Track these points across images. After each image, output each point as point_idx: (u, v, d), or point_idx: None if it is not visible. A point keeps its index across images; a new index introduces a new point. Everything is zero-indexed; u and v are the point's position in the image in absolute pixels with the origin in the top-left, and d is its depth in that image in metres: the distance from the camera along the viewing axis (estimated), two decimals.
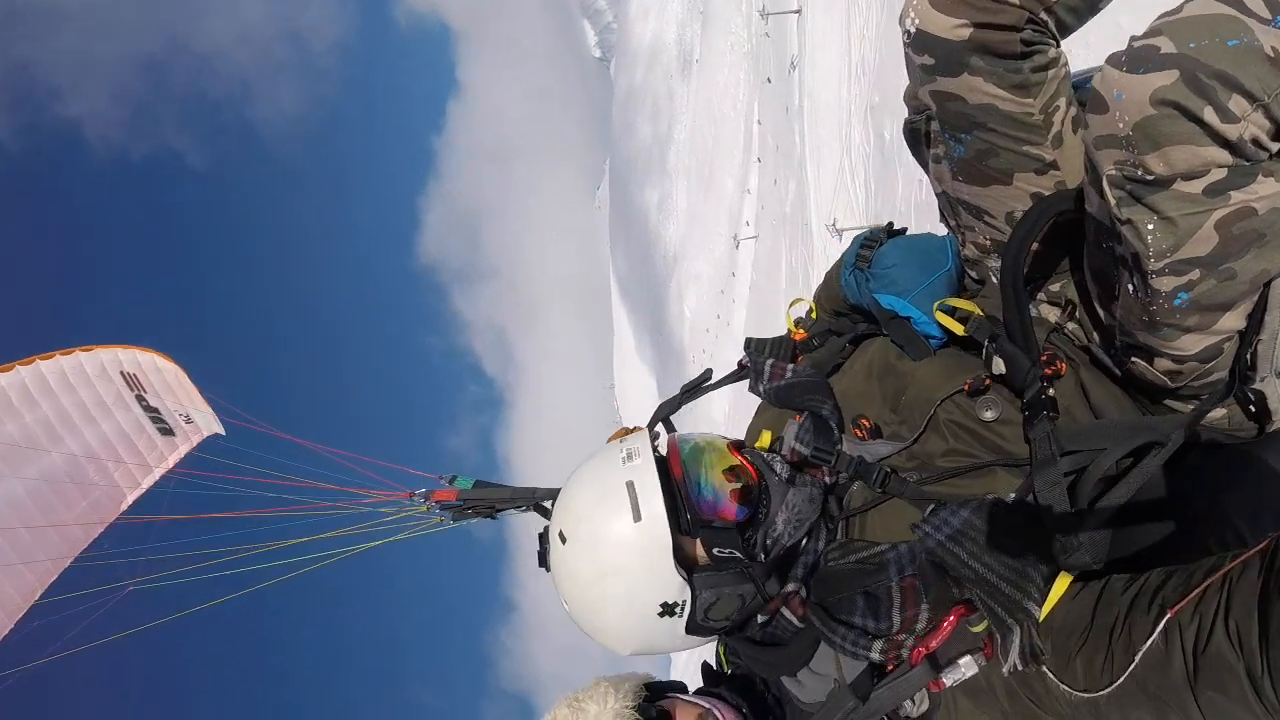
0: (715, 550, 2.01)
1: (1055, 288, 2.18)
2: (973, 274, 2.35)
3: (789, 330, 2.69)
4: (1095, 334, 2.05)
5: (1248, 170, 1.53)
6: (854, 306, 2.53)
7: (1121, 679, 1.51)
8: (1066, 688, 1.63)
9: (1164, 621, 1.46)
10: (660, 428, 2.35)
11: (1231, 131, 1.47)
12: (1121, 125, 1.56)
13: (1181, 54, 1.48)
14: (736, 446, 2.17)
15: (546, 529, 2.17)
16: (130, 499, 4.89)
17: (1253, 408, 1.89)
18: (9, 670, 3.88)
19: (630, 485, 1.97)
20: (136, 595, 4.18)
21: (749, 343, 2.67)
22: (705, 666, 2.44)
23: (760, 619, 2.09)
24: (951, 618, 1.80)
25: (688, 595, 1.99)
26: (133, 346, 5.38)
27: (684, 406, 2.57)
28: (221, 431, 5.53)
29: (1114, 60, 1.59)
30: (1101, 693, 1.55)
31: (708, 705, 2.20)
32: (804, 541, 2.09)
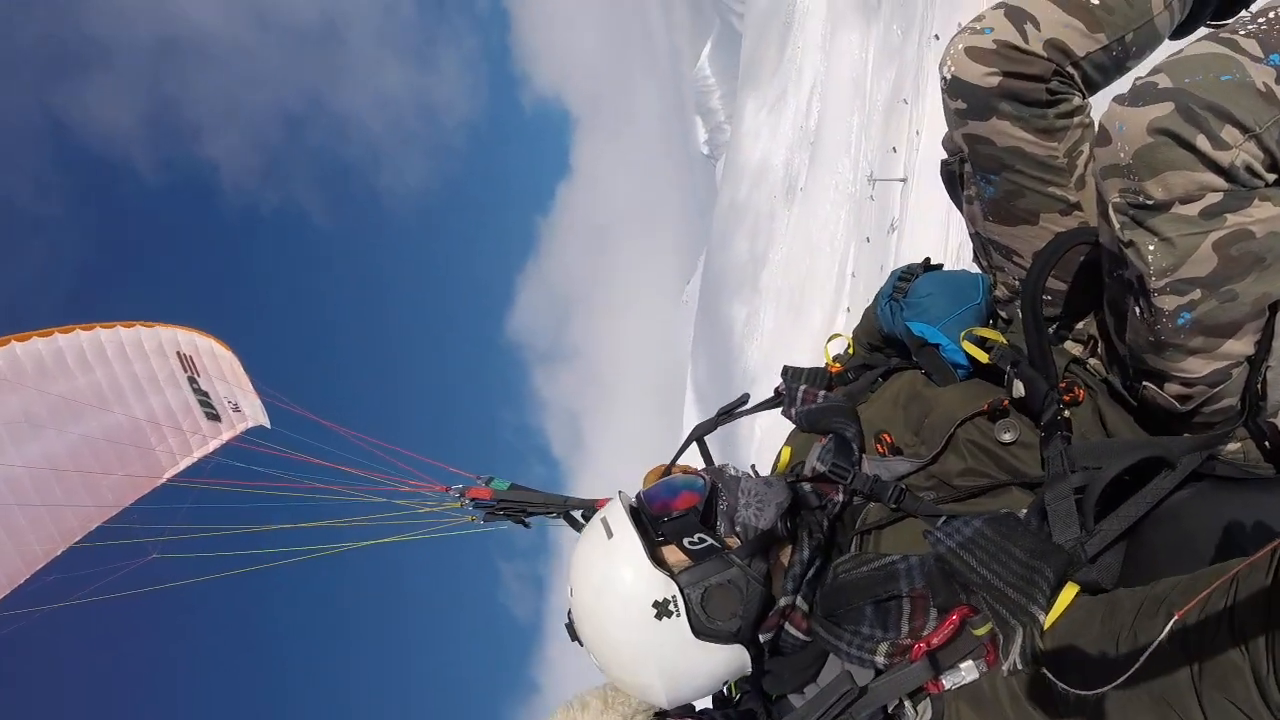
0: (686, 542, 2.13)
1: (1079, 325, 2.27)
2: (1003, 314, 2.46)
3: (826, 364, 2.79)
4: (1114, 366, 2.12)
5: (1243, 195, 1.63)
6: (888, 339, 2.64)
7: (1123, 678, 1.48)
8: (1067, 688, 1.60)
9: (1170, 623, 1.43)
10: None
11: (1224, 158, 1.58)
12: (1123, 155, 1.67)
13: (1177, 88, 1.60)
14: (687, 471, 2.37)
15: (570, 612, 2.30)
16: (166, 475, 4.85)
17: (1268, 444, 1.93)
18: (21, 610, 3.82)
19: (603, 520, 2.20)
20: (159, 564, 4.12)
21: (786, 370, 2.75)
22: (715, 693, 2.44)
23: (763, 636, 2.15)
24: (954, 617, 1.81)
25: (675, 590, 2.09)
26: (193, 329, 5.40)
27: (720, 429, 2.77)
28: (267, 424, 5.50)
29: (1118, 98, 1.71)
30: (1103, 689, 1.52)
31: None
32: (782, 526, 2.16)
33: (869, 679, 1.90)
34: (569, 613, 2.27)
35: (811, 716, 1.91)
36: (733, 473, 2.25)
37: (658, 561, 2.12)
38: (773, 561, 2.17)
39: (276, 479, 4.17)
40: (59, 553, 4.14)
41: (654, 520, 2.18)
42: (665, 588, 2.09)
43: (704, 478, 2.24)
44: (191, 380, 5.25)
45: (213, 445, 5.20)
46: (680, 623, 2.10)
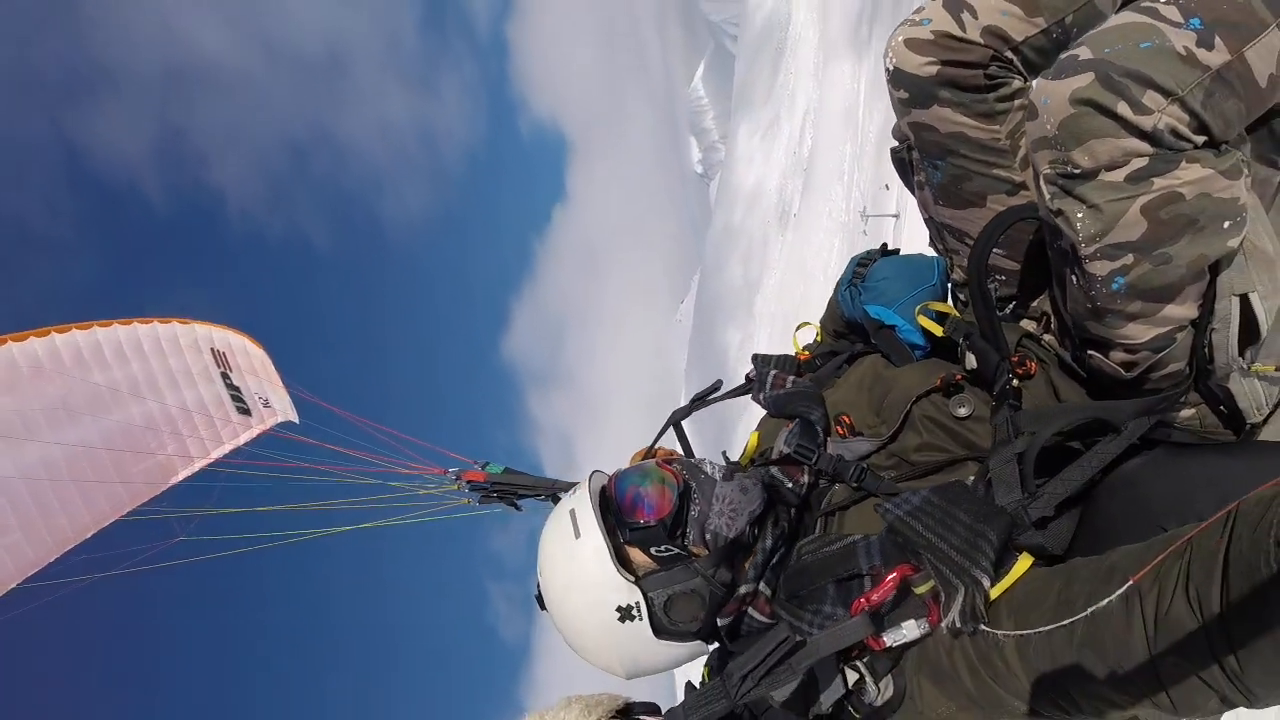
0: (653, 550, 2.15)
1: (1034, 304, 2.30)
2: (961, 296, 2.48)
3: (796, 352, 2.85)
4: (1065, 339, 2.13)
5: (1169, 158, 1.64)
6: (850, 325, 2.70)
7: (1069, 620, 1.52)
8: (1006, 633, 1.65)
9: (1124, 588, 1.46)
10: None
11: (1146, 122, 1.60)
12: (1049, 127, 1.70)
13: (1097, 59, 1.63)
14: (666, 461, 2.31)
15: None
16: (198, 465, 5.05)
17: (1224, 409, 1.92)
18: (53, 580, 4.03)
19: (571, 512, 2.20)
20: (183, 545, 4.32)
21: (756, 357, 2.80)
22: (689, 686, 2.52)
23: (722, 621, 2.20)
24: (895, 574, 1.81)
25: (639, 597, 2.13)
26: (227, 327, 5.63)
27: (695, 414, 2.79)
28: (295, 420, 5.71)
29: (1043, 73, 1.75)
30: (1046, 628, 1.56)
31: None
32: (750, 532, 2.17)
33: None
34: (538, 585, 2.33)
35: (750, 664, 1.92)
36: (708, 471, 2.24)
37: (623, 562, 2.16)
38: (738, 566, 2.19)
39: (289, 463, 4.35)
40: (89, 535, 4.35)
41: (621, 520, 2.19)
42: (629, 594, 2.13)
43: (679, 479, 2.22)
44: (225, 375, 5.46)
45: (243, 438, 5.41)
46: (642, 625, 2.15)
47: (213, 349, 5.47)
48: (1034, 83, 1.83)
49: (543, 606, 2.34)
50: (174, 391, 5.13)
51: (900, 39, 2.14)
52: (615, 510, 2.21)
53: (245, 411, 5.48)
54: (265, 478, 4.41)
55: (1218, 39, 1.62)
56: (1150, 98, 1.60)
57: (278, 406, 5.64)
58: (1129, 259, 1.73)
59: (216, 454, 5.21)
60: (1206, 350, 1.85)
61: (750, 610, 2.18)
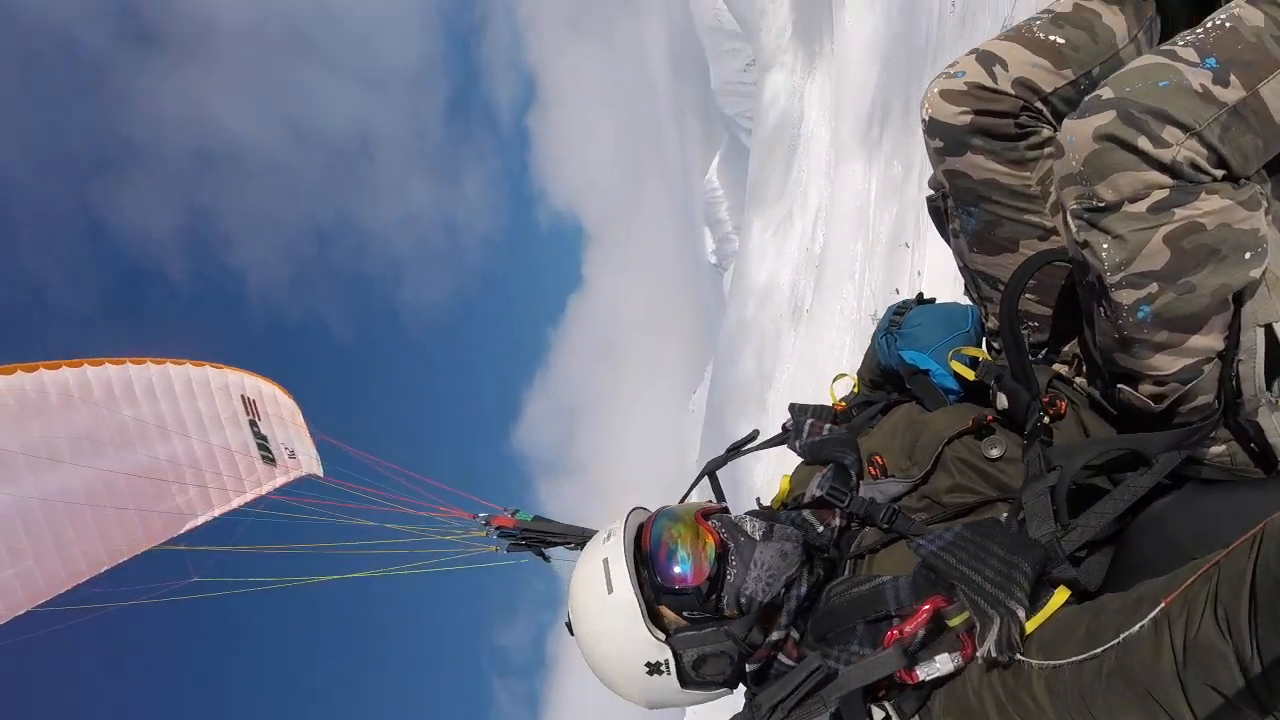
0: (685, 613, 2.20)
1: (1065, 348, 2.34)
2: (995, 344, 2.50)
3: (832, 403, 2.89)
4: (1095, 378, 2.16)
5: (1189, 190, 1.70)
6: (886, 374, 2.75)
7: (1099, 649, 1.53)
8: (1041, 661, 1.66)
9: (1154, 611, 1.47)
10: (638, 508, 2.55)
11: (1165, 156, 1.67)
12: (1075, 163, 1.77)
13: (1119, 97, 1.72)
14: (705, 515, 2.33)
15: None
16: (217, 511, 4.94)
17: (1254, 445, 1.92)
18: (61, 607, 3.91)
19: (605, 562, 2.24)
20: (199, 584, 4.20)
21: (793, 406, 2.84)
22: None
23: (751, 667, 2.21)
24: (927, 605, 1.83)
25: (669, 655, 2.18)
26: (259, 375, 5.59)
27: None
28: (320, 474, 5.60)
29: (1070, 114, 1.82)
30: (1076, 658, 1.57)
31: None
32: (784, 593, 2.18)
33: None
34: (569, 614, 2.35)
35: (780, 694, 1.94)
36: (749, 532, 2.25)
37: (654, 617, 2.21)
38: (769, 624, 2.21)
39: (313, 500, 4.26)
40: (103, 569, 4.23)
41: (655, 579, 2.22)
42: (659, 652, 2.19)
43: (718, 540, 2.24)
44: (253, 423, 5.39)
45: (267, 488, 5.29)
46: (670, 679, 2.21)
47: (243, 395, 5.41)
48: (1062, 124, 1.87)
49: (571, 633, 2.37)
50: (200, 434, 5.05)
51: (935, 90, 2.22)
52: (650, 564, 2.25)
53: (270, 461, 5.38)
54: (289, 518, 4.30)
55: (1232, 76, 1.70)
56: (1169, 132, 1.67)
57: (303, 458, 5.54)
58: (1154, 287, 1.76)
59: (237, 502, 5.09)
60: (1234, 382, 1.86)
61: (780, 656, 2.19)
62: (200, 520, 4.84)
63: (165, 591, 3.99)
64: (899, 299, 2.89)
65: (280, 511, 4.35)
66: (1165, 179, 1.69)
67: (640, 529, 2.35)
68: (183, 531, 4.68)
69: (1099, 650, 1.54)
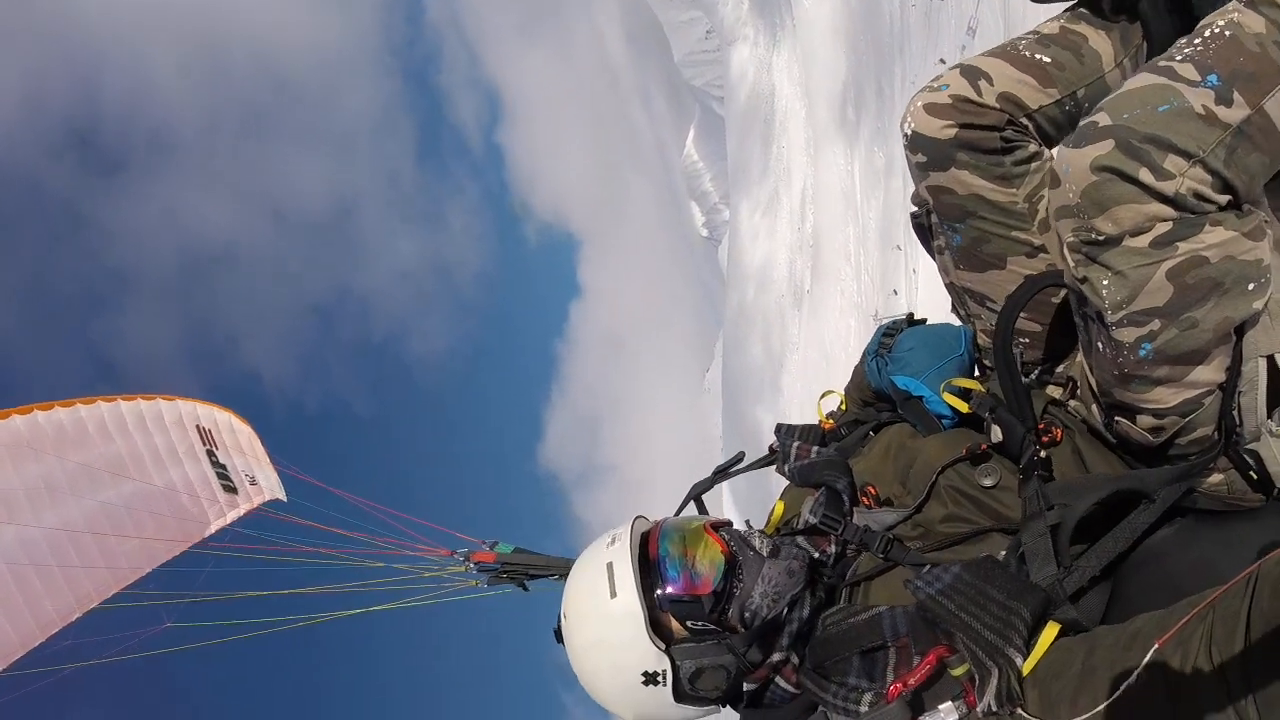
0: (689, 623, 2.14)
1: (1059, 369, 2.31)
2: (986, 362, 2.47)
3: (820, 420, 2.84)
4: (1091, 404, 2.10)
5: (1193, 222, 1.62)
6: (877, 394, 2.68)
7: (1100, 707, 1.50)
8: (1034, 716, 1.62)
9: (1148, 654, 1.44)
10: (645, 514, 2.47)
11: (1168, 187, 1.59)
12: (1072, 195, 1.69)
13: (1116, 125, 1.63)
14: (714, 527, 2.27)
15: None
16: (183, 546, 4.89)
17: (1254, 474, 1.89)
18: (33, 670, 3.84)
19: (609, 566, 2.17)
20: (171, 632, 4.15)
21: (779, 427, 2.78)
22: None
23: (747, 687, 2.18)
24: (931, 657, 1.78)
25: (667, 665, 2.13)
26: (212, 404, 5.51)
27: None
28: (283, 498, 5.56)
29: (1064, 141, 1.74)
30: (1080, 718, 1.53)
31: None
32: (786, 612, 2.14)
33: None
34: (559, 620, 2.31)
35: None
36: (756, 547, 2.22)
37: (655, 626, 2.14)
38: (769, 643, 2.17)
39: (286, 545, 4.22)
40: (74, 619, 4.17)
41: (661, 588, 2.17)
42: (657, 661, 2.13)
43: (726, 552, 2.19)
44: (210, 454, 5.32)
45: (230, 517, 5.24)
46: (664, 691, 2.15)
47: (198, 426, 5.34)
48: (1055, 150, 1.84)
49: (560, 641, 2.32)
50: (159, 470, 4.97)
51: (919, 104, 2.18)
52: (655, 571, 2.19)
53: (232, 490, 5.33)
54: (262, 560, 4.26)
55: (1236, 94, 1.62)
56: (1172, 162, 1.59)
57: (265, 484, 5.49)
58: (1155, 325, 1.71)
59: (203, 534, 5.04)
60: (1235, 413, 1.83)
61: (778, 679, 2.17)
62: (168, 556, 4.78)
63: (141, 642, 3.93)
64: (898, 298, 2.84)
65: (253, 551, 4.29)
66: (1168, 211, 1.62)
67: (645, 536, 2.29)
68: (152, 569, 4.62)
69: (1095, 711, 1.51)
